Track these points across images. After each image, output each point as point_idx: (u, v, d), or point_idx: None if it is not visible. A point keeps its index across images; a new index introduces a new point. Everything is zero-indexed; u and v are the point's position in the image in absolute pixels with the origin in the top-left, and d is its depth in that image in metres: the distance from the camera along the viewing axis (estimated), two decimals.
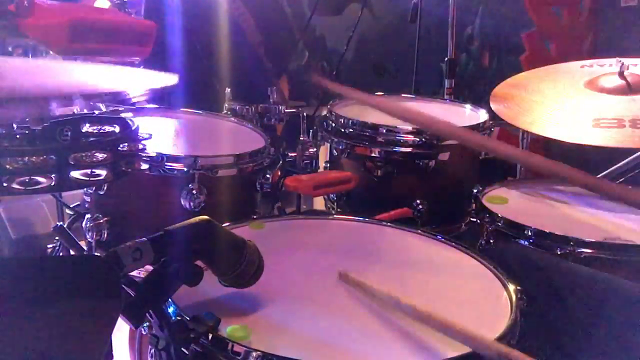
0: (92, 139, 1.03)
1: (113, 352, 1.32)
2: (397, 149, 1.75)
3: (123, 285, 0.83)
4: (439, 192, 1.79)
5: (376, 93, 2.21)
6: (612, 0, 2.82)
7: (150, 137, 1.14)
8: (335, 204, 1.89)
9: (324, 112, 1.97)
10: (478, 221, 1.56)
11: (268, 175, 1.64)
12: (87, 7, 2.48)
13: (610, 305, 1.15)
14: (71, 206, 1.87)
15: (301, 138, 1.97)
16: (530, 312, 0.99)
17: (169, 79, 1.08)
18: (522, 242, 1.44)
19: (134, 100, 1.00)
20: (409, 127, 1.75)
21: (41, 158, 0.96)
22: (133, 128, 1.11)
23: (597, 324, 1.13)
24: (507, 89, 1.84)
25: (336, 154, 1.86)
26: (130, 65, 2.45)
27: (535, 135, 2.04)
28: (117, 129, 1.09)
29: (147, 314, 0.87)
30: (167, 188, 1.54)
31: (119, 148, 1.06)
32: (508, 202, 1.61)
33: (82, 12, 1.95)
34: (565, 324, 1.14)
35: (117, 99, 1.03)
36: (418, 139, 1.73)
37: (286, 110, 2.03)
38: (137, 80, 1.14)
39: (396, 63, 3.83)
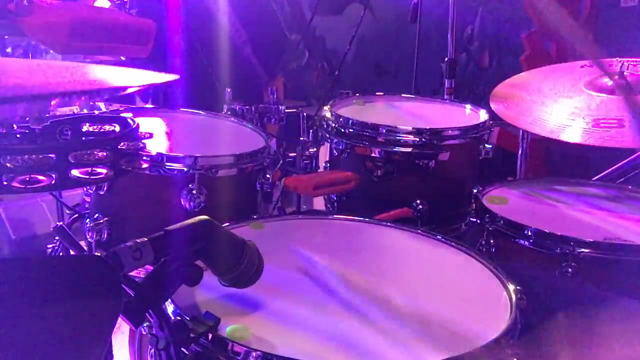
0: (92, 137, 1.03)
1: (113, 352, 1.32)
2: (397, 149, 1.75)
3: (123, 285, 0.83)
4: (439, 192, 1.79)
5: (376, 93, 2.21)
6: (612, 0, 2.82)
7: (151, 136, 1.14)
8: (335, 204, 1.89)
9: (324, 112, 1.97)
10: (478, 221, 1.56)
11: (268, 175, 1.64)
12: (87, 6, 2.47)
13: (598, 319, 1.15)
14: (71, 206, 1.87)
15: (301, 138, 1.97)
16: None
17: (170, 77, 1.08)
18: (522, 242, 1.44)
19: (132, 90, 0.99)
20: (409, 127, 1.75)
21: (41, 157, 0.96)
22: (133, 127, 1.11)
23: (585, 338, 1.13)
24: (507, 89, 1.84)
25: (336, 154, 1.86)
26: (129, 64, 2.45)
27: (535, 135, 2.04)
28: (117, 128, 1.09)
29: (147, 314, 0.87)
30: (167, 188, 1.54)
31: (119, 146, 1.06)
32: (508, 202, 1.61)
33: (81, 11, 1.95)
34: (553, 338, 1.14)
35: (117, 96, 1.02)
36: (418, 139, 1.73)
37: (286, 110, 2.03)
38: (138, 79, 1.14)
39: (396, 63, 3.83)
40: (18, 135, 0.97)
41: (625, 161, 2.08)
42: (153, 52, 2.23)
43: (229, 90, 2.00)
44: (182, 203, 1.50)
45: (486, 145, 1.86)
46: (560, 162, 2.81)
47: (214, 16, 2.64)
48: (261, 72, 2.84)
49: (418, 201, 1.75)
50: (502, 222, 1.48)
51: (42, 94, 0.79)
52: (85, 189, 1.66)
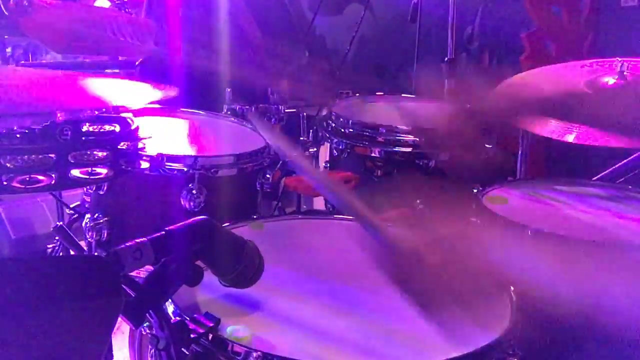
0: (92, 137, 1.03)
1: (113, 352, 1.33)
2: (397, 149, 1.75)
3: (123, 286, 0.83)
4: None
5: (376, 93, 2.21)
6: (612, 0, 2.82)
7: (150, 136, 1.14)
8: None
9: (324, 112, 1.97)
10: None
11: (268, 175, 1.64)
12: (87, 6, 2.47)
13: (601, 323, 1.15)
14: (71, 206, 1.87)
15: (301, 138, 1.97)
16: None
17: (169, 91, 1.08)
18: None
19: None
20: (409, 127, 1.75)
21: (41, 157, 0.96)
22: (133, 127, 1.11)
23: (588, 340, 1.14)
24: (507, 89, 1.83)
25: (336, 154, 1.86)
26: (130, 64, 2.45)
27: (535, 135, 2.04)
28: (117, 128, 1.09)
29: (147, 314, 0.87)
30: (167, 188, 1.54)
31: (119, 146, 1.06)
32: (508, 202, 1.61)
33: (82, 11, 1.95)
34: (557, 340, 1.14)
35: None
36: (418, 139, 1.73)
37: (286, 110, 2.03)
38: (139, 93, 1.14)
39: (396, 63, 3.83)
40: (18, 135, 0.97)
41: (625, 161, 2.08)
42: (153, 52, 2.23)
43: (228, 90, 2.00)
44: (182, 203, 1.50)
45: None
46: (560, 162, 2.81)
47: (216, 15, 2.64)
48: (272, 73, 2.84)
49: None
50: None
51: (49, 111, 0.80)
52: (85, 189, 1.66)
